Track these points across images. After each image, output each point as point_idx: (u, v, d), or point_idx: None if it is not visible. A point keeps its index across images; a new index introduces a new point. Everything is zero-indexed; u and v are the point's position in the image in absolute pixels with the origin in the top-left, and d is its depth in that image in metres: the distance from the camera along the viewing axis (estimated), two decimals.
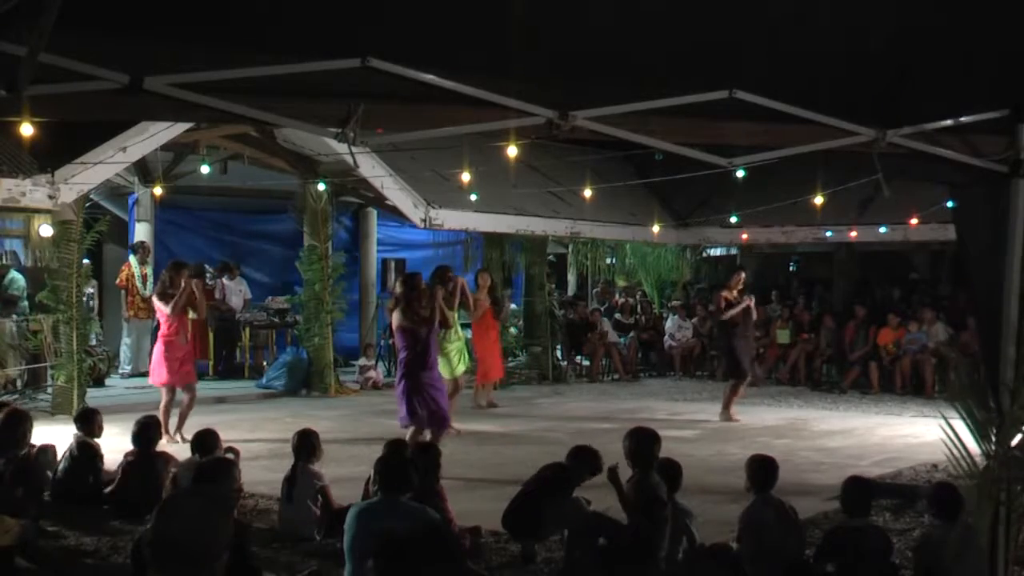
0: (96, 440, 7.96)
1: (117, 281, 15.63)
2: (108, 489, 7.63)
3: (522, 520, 6.15)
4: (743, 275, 12.92)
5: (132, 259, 15.54)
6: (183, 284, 10.43)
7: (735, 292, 12.55)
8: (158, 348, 10.53)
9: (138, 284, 15.31)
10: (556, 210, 16.75)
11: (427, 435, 8.92)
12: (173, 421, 10.33)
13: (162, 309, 10.40)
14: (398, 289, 9.22)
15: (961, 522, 5.27)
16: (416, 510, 5.32)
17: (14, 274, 13.60)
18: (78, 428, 7.98)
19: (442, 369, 10.75)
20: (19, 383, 12.73)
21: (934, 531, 5.50)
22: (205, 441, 7.06)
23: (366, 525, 5.19)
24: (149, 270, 15.34)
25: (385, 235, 19.03)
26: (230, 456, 7.00)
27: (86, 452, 7.83)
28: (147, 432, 7.62)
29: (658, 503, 5.77)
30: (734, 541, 5.77)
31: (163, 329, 10.45)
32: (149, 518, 5.49)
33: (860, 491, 5.64)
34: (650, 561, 5.68)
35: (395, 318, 9.08)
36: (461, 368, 11.62)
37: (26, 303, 13.37)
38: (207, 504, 4.75)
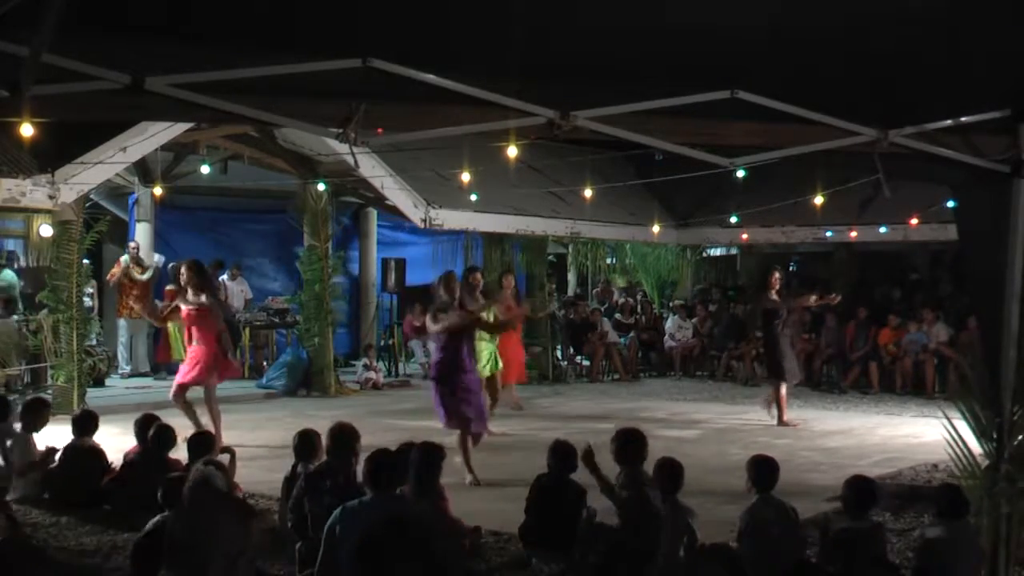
0: (94, 443, 7.95)
1: (107, 276, 15.57)
2: (106, 479, 7.66)
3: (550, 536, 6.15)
4: (778, 274, 12.60)
5: (123, 259, 15.47)
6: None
7: (774, 291, 12.39)
8: (205, 353, 10.17)
9: (134, 277, 15.16)
10: (556, 210, 16.75)
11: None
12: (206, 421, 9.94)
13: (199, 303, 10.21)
14: (441, 292, 8.95)
15: (963, 522, 5.27)
16: (404, 506, 5.29)
17: (5, 272, 13.58)
18: (74, 432, 7.96)
19: None
20: (24, 380, 12.73)
21: (936, 531, 5.50)
22: (201, 443, 7.03)
23: (352, 523, 5.15)
24: (148, 274, 15.26)
25: (380, 235, 19.06)
26: (225, 457, 6.97)
27: (83, 456, 7.82)
28: (155, 433, 7.57)
29: (648, 500, 5.79)
30: (734, 541, 5.77)
31: (208, 331, 10.15)
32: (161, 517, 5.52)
33: (863, 491, 5.62)
34: (649, 560, 5.68)
35: (427, 321, 8.90)
36: (486, 372, 11.56)
37: (17, 302, 13.34)
38: (229, 509, 4.72)
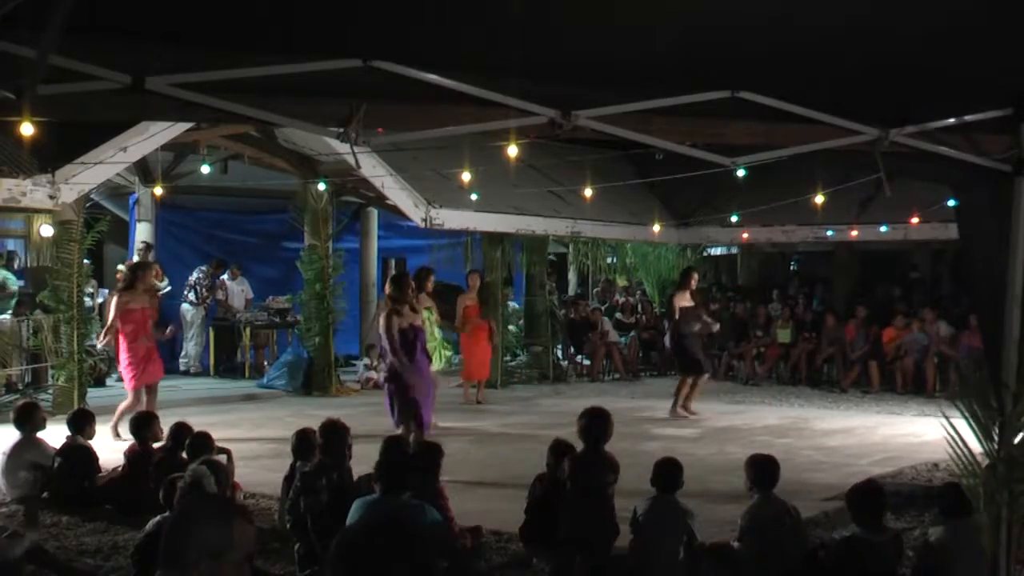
0: (88, 442, 7.96)
1: (117, 275, 15.62)
2: (105, 479, 7.67)
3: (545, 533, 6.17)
4: (695, 275, 13.37)
5: (135, 259, 15.52)
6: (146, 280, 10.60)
7: (690, 292, 12.92)
8: (123, 351, 10.52)
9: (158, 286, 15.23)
10: (557, 209, 16.75)
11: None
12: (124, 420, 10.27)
13: (126, 306, 10.42)
14: (387, 290, 9.21)
15: (965, 521, 5.26)
16: (408, 507, 5.30)
17: (3, 271, 13.61)
18: (70, 430, 7.97)
19: None
20: (25, 380, 12.73)
21: (938, 530, 5.50)
22: (198, 443, 7.02)
23: (355, 519, 5.17)
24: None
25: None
26: (222, 457, 6.96)
27: (79, 454, 7.82)
28: (172, 433, 7.57)
29: (604, 482, 5.83)
30: (735, 540, 5.76)
31: (124, 330, 10.43)
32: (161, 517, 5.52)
33: (868, 498, 5.55)
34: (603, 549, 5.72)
35: (380, 321, 9.02)
36: (434, 366, 11.69)
37: (12, 301, 13.35)
38: (215, 509, 4.69)
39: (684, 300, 12.84)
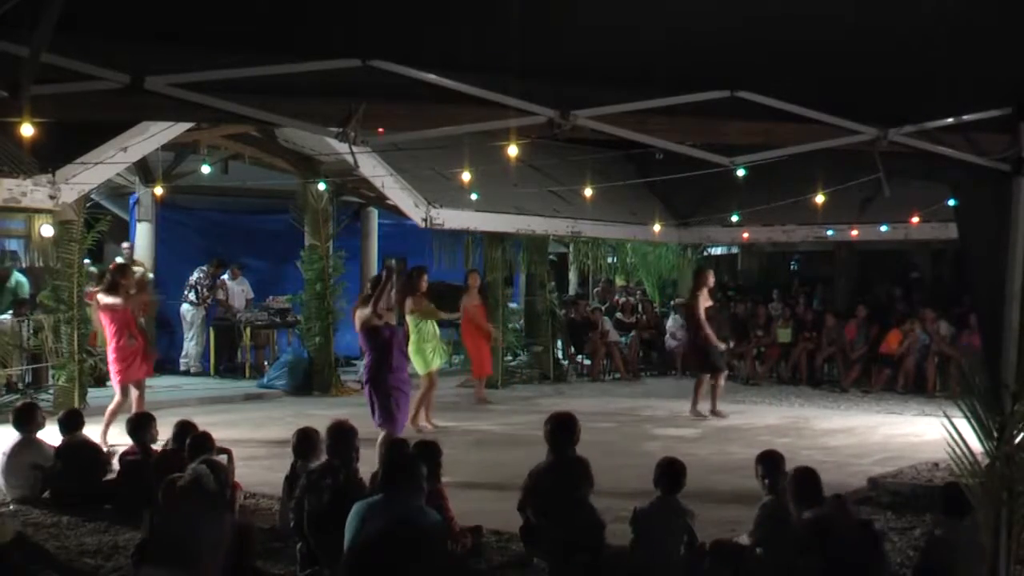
0: (86, 437, 7.97)
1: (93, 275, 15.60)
2: (106, 478, 7.68)
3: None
4: (712, 273, 13.43)
5: (118, 260, 15.47)
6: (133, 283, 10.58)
7: (707, 290, 12.95)
8: (110, 349, 10.48)
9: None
10: (557, 209, 16.75)
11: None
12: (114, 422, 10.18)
13: (108, 302, 10.43)
14: (366, 288, 9.25)
15: (966, 521, 5.27)
16: (412, 510, 5.29)
17: (19, 276, 13.63)
18: (62, 431, 7.98)
19: (417, 365, 11.13)
20: (25, 380, 12.74)
21: (940, 530, 5.50)
22: (198, 443, 7.01)
23: (358, 521, 5.17)
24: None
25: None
26: (223, 457, 6.96)
27: (83, 452, 7.82)
28: (176, 432, 7.57)
29: (576, 490, 5.83)
30: (747, 535, 5.76)
31: (110, 328, 10.46)
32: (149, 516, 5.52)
33: (805, 481, 5.62)
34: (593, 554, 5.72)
35: (357, 318, 9.00)
36: (437, 362, 11.70)
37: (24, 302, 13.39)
38: (204, 503, 4.72)
39: (706, 301, 12.87)
